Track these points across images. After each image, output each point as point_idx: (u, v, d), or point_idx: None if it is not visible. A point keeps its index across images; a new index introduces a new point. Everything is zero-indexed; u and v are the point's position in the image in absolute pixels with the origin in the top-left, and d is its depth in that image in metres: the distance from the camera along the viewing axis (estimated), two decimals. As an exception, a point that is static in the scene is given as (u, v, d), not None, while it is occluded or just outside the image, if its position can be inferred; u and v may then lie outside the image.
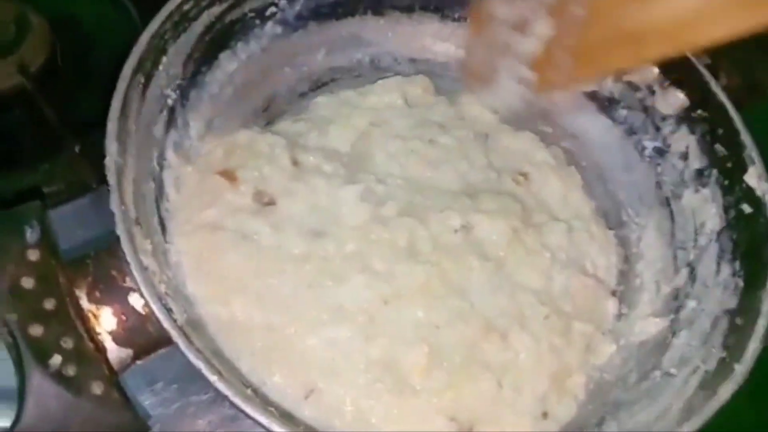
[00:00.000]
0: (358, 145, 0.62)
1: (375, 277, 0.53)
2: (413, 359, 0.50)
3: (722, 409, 0.47)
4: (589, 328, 0.55)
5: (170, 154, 0.57)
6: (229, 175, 0.56)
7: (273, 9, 0.63)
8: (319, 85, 0.67)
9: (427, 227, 0.56)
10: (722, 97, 0.58)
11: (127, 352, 0.48)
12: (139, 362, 0.48)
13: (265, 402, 0.47)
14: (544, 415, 0.52)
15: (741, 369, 0.48)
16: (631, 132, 0.65)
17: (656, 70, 0.62)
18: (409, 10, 0.68)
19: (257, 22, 0.62)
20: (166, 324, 0.45)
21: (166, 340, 0.48)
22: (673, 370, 0.52)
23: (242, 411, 0.43)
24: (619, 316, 0.59)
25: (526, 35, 0.56)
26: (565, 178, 0.63)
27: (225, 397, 0.43)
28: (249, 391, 0.47)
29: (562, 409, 0.53)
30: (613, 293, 0.60)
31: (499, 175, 0.62)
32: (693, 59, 0.60)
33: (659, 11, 0.45)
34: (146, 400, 0.55)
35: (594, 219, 0.62)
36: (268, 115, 0.65)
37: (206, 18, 0.58)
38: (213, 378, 0.43)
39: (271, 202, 0.56)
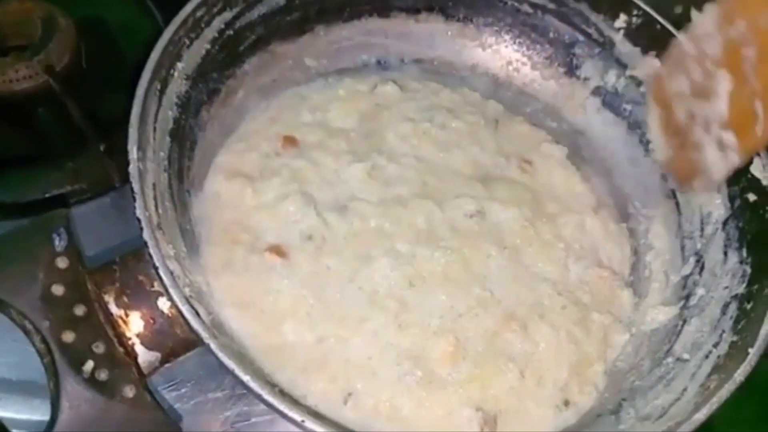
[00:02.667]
0: (366, 124, 0.63)
1: (399, 257, 0.55)
2: (441, 348, 0.52)
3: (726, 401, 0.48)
4: (606, 319, 0.57)
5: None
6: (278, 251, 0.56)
7: (282, 14, 0.64)
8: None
9: (444, 211, 0.58)
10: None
11: (155, 356, 0.49)
12: (167, 365, 0.49)
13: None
14: (566, 403, 0.53)
15: (754, 351, 0.49)
16: (635, 126, 0.67)
17: (659, 65, 0.64)
18: (414, 11, 0.69)
19: (266, 26, 0.63)
20: (196, 325, 0.45)
21: (192, 343, 0.50)
22: (685, 356, 0.54)
23: (275, 408, 0.44)
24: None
25: (710, 99, 0.49)
26: (568, 170, 0.65)
27: (258, 397, 0.44)
28: (277, 390, 0.47)
29: (583, 398, 0.54)
30: (628, 284, 0.61)
31: (508, 161, 0.64)
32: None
33: None
34: (166, 396, 0.56)
35: (606, 211, 0.64)
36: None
37: (218, 23, 0.59)
38: (246, 378, 0.44)
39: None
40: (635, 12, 0.64)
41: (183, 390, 0.57)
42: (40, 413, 0.47)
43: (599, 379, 0.55)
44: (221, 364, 0.45)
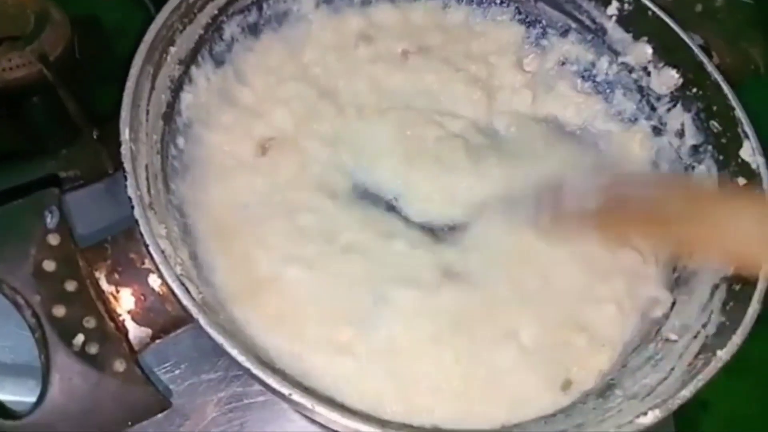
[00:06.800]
0: None
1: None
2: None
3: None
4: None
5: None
6: None
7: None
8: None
9: None
10: (716, 74, 0.60)
11: (146, 332, 0.49)
12: (158, 341, 0.50)
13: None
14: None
15: (741, 331, 0.49)
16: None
17: (650, 51, 0.64)
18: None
19: (260, 13, 0.64)
20: (186, 301, 0.45)
21: (183, 320, 0.50)
22: (673, 337, 0.54)
23: (265, 384, 0.44)
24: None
25: None
26: None
27: (247, 371, 0.44)
28: (277, 367, 0.48)
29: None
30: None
31: None
32: (686, 39, 0.62)
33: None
34: (161, 377, 0.57)
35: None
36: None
37: (211, 9, 0.59)
38: (233, 351, 0.44)
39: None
40: (626, -1, 0.64)
41: (177, 372, 0.58)
42: (34, 395, 0.48)
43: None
44: (213, 342, 0.45)
